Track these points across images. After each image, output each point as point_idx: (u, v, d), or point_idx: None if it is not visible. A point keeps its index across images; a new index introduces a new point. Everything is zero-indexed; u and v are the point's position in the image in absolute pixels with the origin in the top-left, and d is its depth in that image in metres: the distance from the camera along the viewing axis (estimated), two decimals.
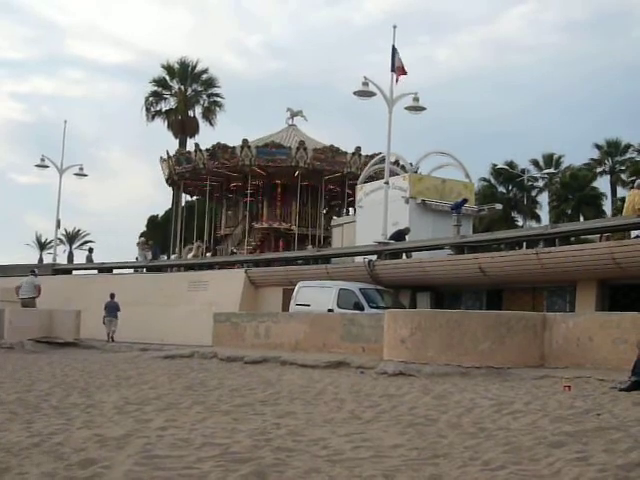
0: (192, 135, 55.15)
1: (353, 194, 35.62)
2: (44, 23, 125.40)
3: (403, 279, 23.23)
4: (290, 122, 44.67)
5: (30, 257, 73.89)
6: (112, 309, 27.11)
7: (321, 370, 15.39)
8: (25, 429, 7.73)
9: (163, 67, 56.39)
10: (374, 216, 26.04)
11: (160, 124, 56.61)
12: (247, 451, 6.64)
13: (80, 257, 49.54)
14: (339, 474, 5.76)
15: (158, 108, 56.50)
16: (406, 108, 26.69)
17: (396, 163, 31.92)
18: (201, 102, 57.11)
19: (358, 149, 40.53)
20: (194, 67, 56.42)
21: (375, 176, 31.06)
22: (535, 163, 61.07)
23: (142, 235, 62.56)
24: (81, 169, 38.59)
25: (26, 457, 6.26)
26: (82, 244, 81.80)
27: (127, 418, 8.61)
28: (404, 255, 24.78)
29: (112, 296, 27.30)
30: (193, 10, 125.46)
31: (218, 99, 57.29)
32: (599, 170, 60.39)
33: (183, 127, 55.09)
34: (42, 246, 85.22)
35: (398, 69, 25.86)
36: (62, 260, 42.54)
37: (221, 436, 7.42)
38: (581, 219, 50.71)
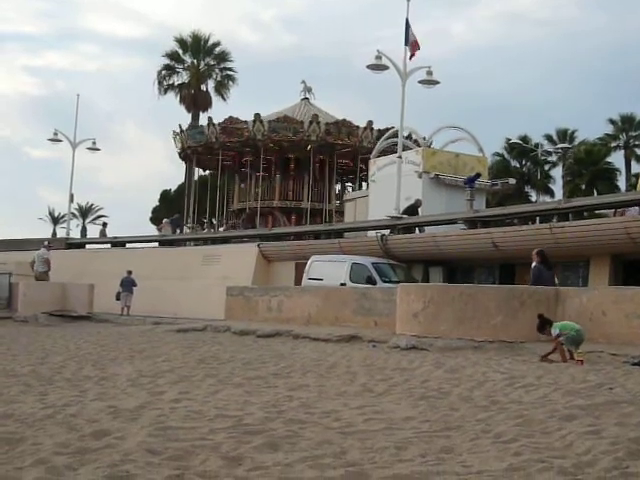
0: (204, 109, 54.88)
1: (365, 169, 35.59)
2: None
3: (416, 254, 23.21)
4: (303, 96, 44.39)
5: (43, 231, 74.35)
6: (128, 284, 27.40)
7: (334, 344, 15.43)
8: (39, 401, 7.78)
9: (176, 40, 56.12)
10: (387, 190, 25.98)
11: (172, 98, 56.49)
12: (260, 423, 6.66)
13: (93, 231, 49.70)
14: (351, 446, 5.78)
15: (170, 82, 56.28)
16: (420, 82, 26.62)
17: (409, 137, 31.81)
18: (214, 76, 56.84)
19: (370, 123, 40.23)
20: (207, 41, 56.08)
21: (388, 150, 30.95)
22: (549, 138, 60.72)
23: (155, 210, 62.94)
24: (94, 143, 38.70)
25: (40, 428, 6.30)
26: (95, 218, 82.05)
27: (140, 390, 8.65)
28: (417, 229, 24.76)
29: (129, 272, 27.58)
30: None
31: (231, 73, 57.05)
32: (613, 145, 60.02)
33: (195, 101, 54.85)
34: (55, 220, 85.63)
35: (412, 44, 25.73)
36: (75, 234, 42.79)
37: (234, 408, 7.44)
38: (595, 194, 50.40)
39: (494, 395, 8.38)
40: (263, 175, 42.23)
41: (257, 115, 39.74)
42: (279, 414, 7.11)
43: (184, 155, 44.67)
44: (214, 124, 40.88)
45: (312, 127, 39.01)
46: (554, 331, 11.98)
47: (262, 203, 40.87)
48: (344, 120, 40.35)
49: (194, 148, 41.97)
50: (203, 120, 47.92)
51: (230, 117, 41.11)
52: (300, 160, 41.50)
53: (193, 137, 41.99)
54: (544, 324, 12.32)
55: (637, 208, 20.41)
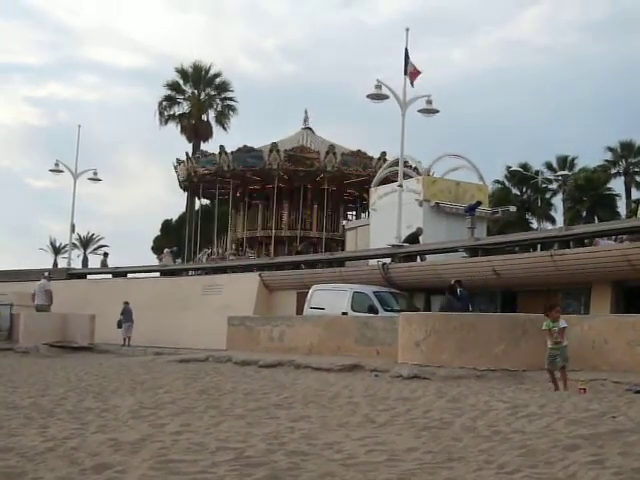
0: (205, 139, 55.17)
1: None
2: (59, 27, 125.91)
3: (417, 282, 23.20)
4: (305, 125, 44.37)
5: (45, 262, 74.35)
6: (129, 314, 27.38)
7: (335, 373, 15.39)
8: (40, 434, 7.75)
9: (177, 71, 56.50)
10: (388, 219, 26.03)
11: (173, 128, 56.77)
12: (261, 455, 6.63)
13: (95, 262, 49.74)
14: (353, 478, 5.74)
15: (171, 112, 56.59)
16: (419, 111, 26.73)
17: (410, 166, 31.87)
18: (214, 106, 57.18)
19: (383, 154, 39.89)
20: (207, 71, 56.46)
21: (389, 179, 31.01)
22: (549, 165, 60.86)
23: (156, 240, 63.05)
24: (95, 174, 38.87)
25: (41, 462, 6.27)
26: (96, 248, 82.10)
27: (142, 422, 8.62)
28: (418, 258, 24.76)
29: (126, 303, 27.57)
30: (208, 13, 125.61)
31: (231, 103, 57.39)
32: (613, 172, 60.17)
33: (196, 131, 55.11)
34: (57, 251, 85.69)
35: (411, 73, 25.89)
36: (76, 265, 42.78)
37: (235, 440, 7.41)
38: (595, 221, 50.43)
39: (497, 425, 8.34)
40: (296, 205, 41.57)
41: (331, 147, 39.35)
42: (281, 446, 7.08)
43: (213, 179, 42.49)
44: (278, 150, 39.67)
45: (379, 163, 38.79)
46: (563, 322, 12.19)
47: (298, 233, 40.46)
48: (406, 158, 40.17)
49: (240, 171, 40.73)
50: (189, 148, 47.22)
51: (302, 146, 40.64)
52: (339, 192, 41.54)
53: (242, 160, 40.32)
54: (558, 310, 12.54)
55: (606, 239, 20.89)
